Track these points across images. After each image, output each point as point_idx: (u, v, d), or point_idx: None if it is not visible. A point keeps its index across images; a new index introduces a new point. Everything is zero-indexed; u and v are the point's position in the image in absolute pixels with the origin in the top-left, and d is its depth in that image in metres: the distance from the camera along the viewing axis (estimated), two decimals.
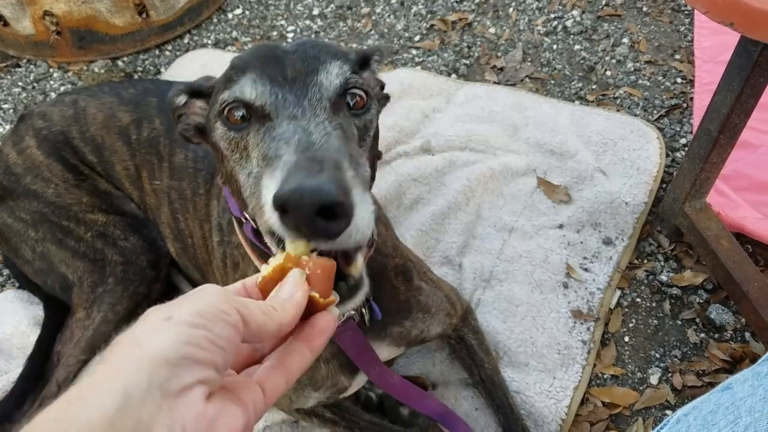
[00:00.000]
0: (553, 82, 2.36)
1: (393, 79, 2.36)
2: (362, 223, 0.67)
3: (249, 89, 0.82)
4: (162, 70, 2.66)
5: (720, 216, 1.74)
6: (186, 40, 2.80)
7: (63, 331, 1.60)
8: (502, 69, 2.43)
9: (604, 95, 2.28)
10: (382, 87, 1.13)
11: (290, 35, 2.75)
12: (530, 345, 1.62)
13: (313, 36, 2.73)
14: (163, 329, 0.47)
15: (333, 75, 0.84)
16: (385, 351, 1.29)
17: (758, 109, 1.99)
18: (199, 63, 2.59)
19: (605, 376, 1.60)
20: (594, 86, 2.32)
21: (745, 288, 1.57)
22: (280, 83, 0.82)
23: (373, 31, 2.71)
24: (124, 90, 1.64)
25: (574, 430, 1.49)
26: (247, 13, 2.90)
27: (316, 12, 2.84)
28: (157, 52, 2.76)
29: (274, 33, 2.78)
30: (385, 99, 1.14)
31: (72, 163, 1.59)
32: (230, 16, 2.90)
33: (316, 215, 0.61)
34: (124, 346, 0.46)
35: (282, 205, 0.63)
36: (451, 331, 1.50)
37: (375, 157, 0.95)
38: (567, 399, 1.53)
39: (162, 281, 1.68)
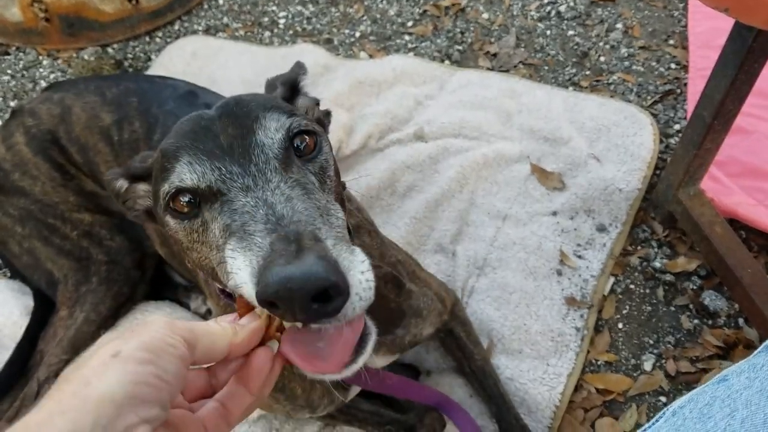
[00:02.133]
0: (546, 67, 2.35)
1: (386, 65, 2.35)
2: (362, 287, 0.63)
3: (188, 174, 0.75)
4: (152, 57, 2.63)
5: (713, 202, 1.74)
6: (176, 27, 2.78)
7: (46, 329, 1.60)
8: (495, 55, 2.42)
9: (597, 81, 2.27)
10: (318, 104, 1.07)
11: (281, 21, 2.73)
12: (524, 332, 1.63)
13: (304, 22, 2.70)
14: (110, 367, 0.47)
15: (272, 130, 0.78)
16: (379, 361, 1.28)
17: (752, 94, 1.98)
18: (190, 50, 2.56)
19: (599, 363, 1.60)
20: (588, 72, 2.31)
21: (739, 274, 1.57)
22: (218, 156, 0.75)
23: (365, 17, 2.68)
24: (108, 89, 1.61)
25: (568, 416, 1.49)
26: None
27: None
28: (147, 39, 2.73)
29: (265, 19, 2.75)
30: (327, 116, 1.07)
31: (59, 162, 1.57)
32: (221, 2, 2.87)
33: (312, 302, 0.57)
34: (72, 384, 0.46)
35: (270, 301, 0.58)
36: (441, 325, 1.50)
37: (341, 191, 0.89)
38: (561, 386, 1.53)
39: (147, 282, 1.67)
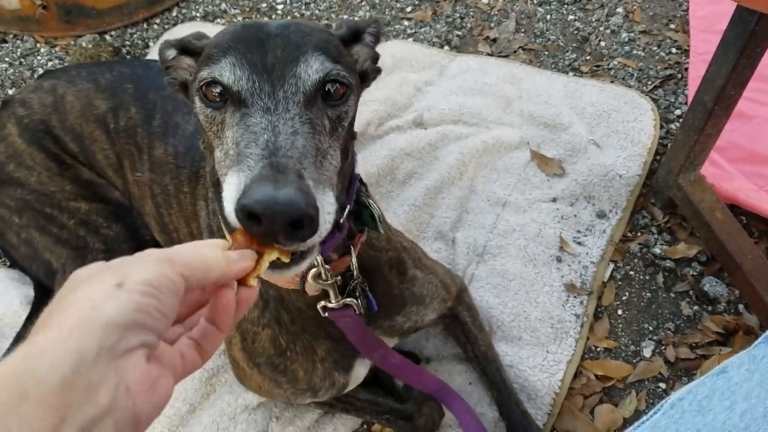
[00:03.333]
0: (546, 53, 2.33)
1: (385, 51, 2.32)
2: (324, 224, 0.71)
3: (228, 73, 0.81)
4: (150, 44, 2.61)
5: (714, 188, 1.73)
6: (174, 14, 2.76)
7: None
8: (495, 40, 2.40)
9: (598, 66, 2.25)
10: (376, 59, 1.09)
11: (280, 7, 2.71)
12: (523, 319, 1.62)
13: (303, 8, 2.68)
14: (116, 296, 0.49)
15: (312, 69, 0.82)
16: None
17: (753, 79, 1.97)
18: None
19: (598, 350, 1.60)
20: (588, 57, 2.29)
21: (739, 260, 1.57)
22: (258, 70, 0.80)
23: (364, 2, 2.66)
24: (101, 75, 1.59)
25: (568, 403, 1.49)
26: None
27: None
28: (145, 25, 2.72)
29: (264, 5, 2.73)
30: (376, 72, 1.10)
31: (53, 152, 1.56)
32: None
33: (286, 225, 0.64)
34: (77, 307, 0.48)
35: (248, 214, 0.63)
36: (446, 311, 1.50)
37: (350, 139, 0.95)
38: (560, 372, 1.53)
39: None
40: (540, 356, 1.56)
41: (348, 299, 1.08)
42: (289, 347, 1.18)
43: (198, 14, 2.73)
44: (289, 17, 2.65)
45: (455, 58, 2.32)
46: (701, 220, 1.66)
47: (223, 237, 1.23)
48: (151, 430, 1.48)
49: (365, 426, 1.51)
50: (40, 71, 2.53)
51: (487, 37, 2.42)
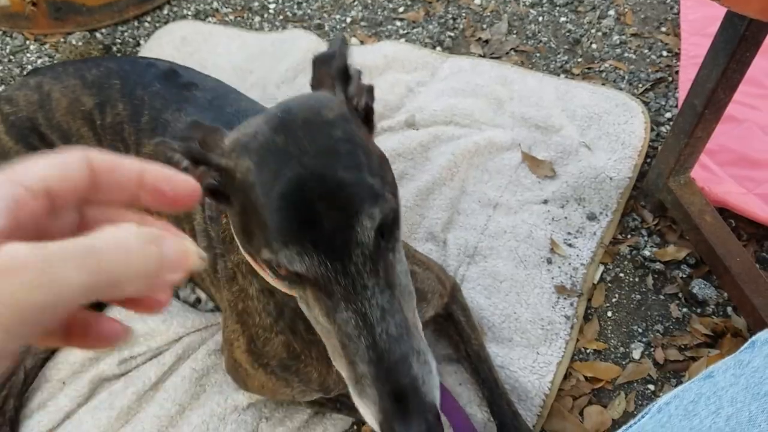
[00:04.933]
0: (538, 54, 2.34)
1: (377, 51, 2.33)
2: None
3: (297, 264, 0.77)
4: (141, 42, 2.60)
5: (704, 191, 1.74)
6: (165, 11, 2.74)
7: None
8: (487, 41, 2.41)
9: (589, 68, 2.26)
10: (371, 90, 1.02)
11: (272, 6, 2.70)
12: (514, 320, 1.63)
13: (295, 7, 2.68)
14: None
15: (368, 228, 0.76)
16: None
17: (744, 83, 1.98)
18: (179, 35, 2.54)
19: (588, 351, 1.61)
20: (579, 59, 2.30)
21: (728, 263, 1.58)
22: (323, 249, 0.76)
23: (356, 2, 2.66)
24: (87, 71, 1.57)
25: (557, 404, 1.50)
26: None
27: None
28: (136, 23, 2.70)
29: (255, 3, 2.72)
30: (371, 93, 1.03)
31: (40, 150, 1.55)
32: None
33: None
34: None
35: None
36: (441, 308, 1.50)
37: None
38: (550, 374, 1.54)
39: None
40: (530, 358, 1.56)
41: None
42: (304, 353, 1.18)
43: (189, 12, 2.72)
44: (281, 16, 2.64)
45: (447, 59, 2.32)
46: (691, 223, 1.67)
47: (221, 247, 1.23)
48: (138, 431, 1.48)
49: (355, 426, 1.51)
50: (30, 68, 2.51)
51: (479, 38, 2.42)
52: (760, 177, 1.86)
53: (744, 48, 1.34)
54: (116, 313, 1.64)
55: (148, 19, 2.72)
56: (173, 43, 2.49)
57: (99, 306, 1.75)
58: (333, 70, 0.92)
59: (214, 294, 1.42)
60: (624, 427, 0.58)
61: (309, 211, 0.75)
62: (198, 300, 1.70)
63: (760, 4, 1.13)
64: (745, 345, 0.59)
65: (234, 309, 1.23)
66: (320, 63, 0.93)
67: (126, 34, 2.65)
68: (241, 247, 0.94)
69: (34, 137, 1.54)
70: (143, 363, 1.60)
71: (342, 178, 0.76)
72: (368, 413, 0.77)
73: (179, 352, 1.60)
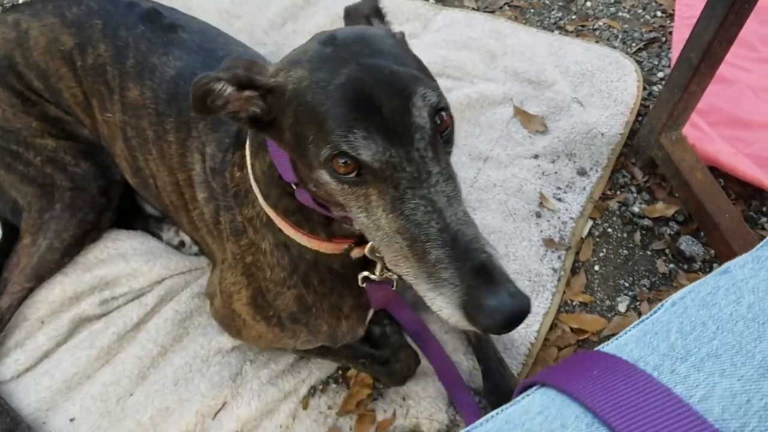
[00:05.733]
0: (532, 10, 2.31)
1: None
2: None
3: (363, 150, 0.77)
4: None
5: (694, 148, 1.74)
6: None
7: (10, 257, 1.55)
8: None
9: (583, 26, 2.24)
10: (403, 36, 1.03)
11: None
12: None
13: None
14: None
15: (424, 110, 0.79)
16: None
17: (736, 44, 1.97)
18: None
19: (574, 304, 1.61)
20: (574, 17, 2.28)
21: (717, 219, 1.59)
22: (387, 136, 0.77)
23: None
24: (67, 9, 1.50)
25: (543, 353, 1.50)
26: None
27: None
28: None
29: None
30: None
31: (18, 89, 1.49)
32: None
33: None
34: None
35: (485, 328, 0.72)
36: None
37: None
38: (536, 324, 1.54)
39: (113, 210, 1.61)
40: None
41: (388, 273, 1.09)
42: (315, 305, 1.19)
43: None
44: None
45: (440, 12, 2.28)
46: (681, 179, 1.67)
47: (228, 200, 1.20)
48: (119, 371, 1.46)
49: (340, 371, 1.50)
50: (9, 5, 2.42)
51: None
52: (750, 138, 1.86)
53: None
54: (98, 252, 1.62)
55: None
56: None
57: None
58: (367, 10, 0.98)
59: (209, 242, 1.39)
60: (637, 321, 0.57)
61: (368, 99, 0.77)
62: (182, 243, 1.67)
63: None
64: (762, 243, 0.58)
65: (239, 262, 1.22)
66: (351, 12, 1.00)
67: None
68: (293, 175, 0.93)
69: (12, 76, 1.48)
70: (125, 304, 1.57)
71: (395, 69, 0.80)
72: (447, 302, 0.74)
73: (162, 294, 1.57)
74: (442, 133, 0.83)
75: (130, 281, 1.57)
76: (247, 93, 0.88)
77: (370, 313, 1.29)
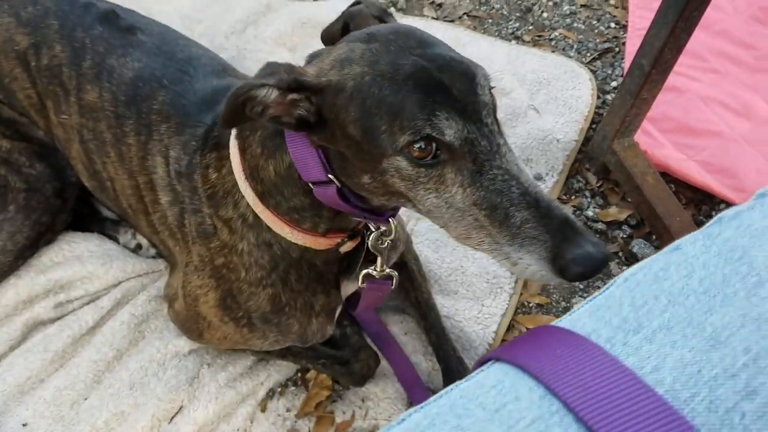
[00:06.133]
0: (490, 20, 2.35)
1: (329, 10, 2.30)
2: None
3: (448, 130, 0.81)
4: None
5: (646, 154, 1.79)
6: None
7: None
8: (440, 5, 2.41)
9: (540, 36, 2.29)
10: None
11: None
12: (460, 274, 1.64)
13: None
14: None
15: (486, 89, 0.85)
16: (350, 286, 1.30)
17: (686, 55, 2.04)
18: None
19: (531, 305, 1.63)
20: (531, 27, 2.33)
21: (668, 222, 1.63)
22: (463, 115, 0.82)
23: None
24: (22, 8, 1.46)
25: None
26: None
27: None
28: None
29: None
30: None
31: None
32: None
33: None
34: None
35: (572, 276, 0.77)
36: (399, 258, 1.51)
37: None
38: (494, 325, 1.56)
39: (68, 212, 1.59)
40: (475, 309, 1.58)
41: (389, 270, 1.17)
42: (289, 304, 1.20)
43: None
44: None
45: (401, 20, 2.29)
46: (633, 183, 1.72)
47: (196, 202, 1.20)
48: (73, 375, 1.43)
49: (299, 374, 1.50)
50: None
51: (433, 1, 2.42)
52: (700, 145, 1.92)
53: (692, 6, 1.38)
54: (53, 254, 1.59)
55: None
56: None
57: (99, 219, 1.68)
58: (376, 12, 1.02)
59: (170, 246, 1.37)
60: (590, 297, 0.58)
61: (439, 84, 0.82)
62: (139, 246, 1.65)
63: None
64: (712, 221, 0.60)
65: (208, 264, 1.21)
66: (355, 15, 1.03)
67: None
68: (323, 173, 0.95)
69: None
70: (80, 307, 1.55)
71: (453, 56, 0.87)
72: (536, 258, 0.79)
73: (118, 297, 1.55)
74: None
75: (86, 284, 1.55)
76: (291, 96, 0.88)
77: (338, 310, 1.30)
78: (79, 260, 1.57)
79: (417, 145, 0.82)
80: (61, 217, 1.57)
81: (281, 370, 1.48)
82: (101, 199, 1.57)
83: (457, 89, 0.82)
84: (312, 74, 0.90)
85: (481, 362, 0.59)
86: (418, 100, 0.81)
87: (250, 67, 1.96)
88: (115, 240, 1.67)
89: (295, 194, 1.03)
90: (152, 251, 1.64)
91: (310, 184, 0.98)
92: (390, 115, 0.83)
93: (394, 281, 1.19)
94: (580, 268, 0.76)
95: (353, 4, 1.05)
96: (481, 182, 0.82)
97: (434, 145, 0.82)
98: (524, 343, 0.57)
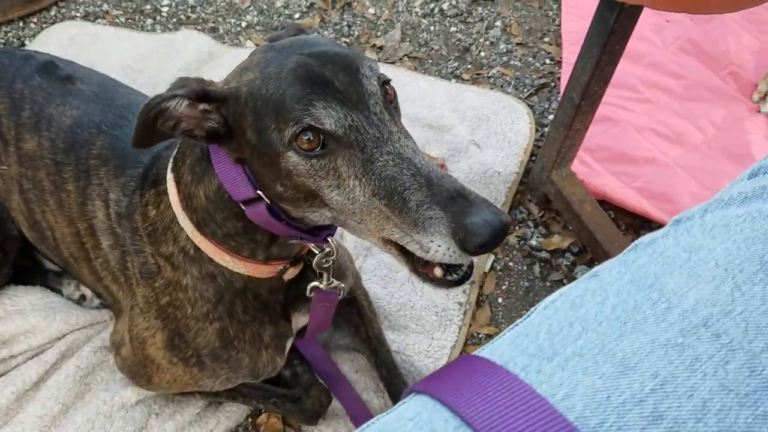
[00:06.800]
0: (430, 61, 2.42)
1: None
2: None
3: (326, 119, 0.83)
4: (27, 42, 2.49)
5: (584, 183, 1.84)
6: (53, 13, 2.64)
7: None
8: (381, 48, 2.46)
9: (478, 74, 2.36)
10: None
11: (165, 9, 2.65)
12: (409, 308, 1.66)
13: (189, 10, 2.64)
14: None
15: (372, 79, 0.87)
16: (302, 319, 1.31)
17: (618, 87, 2.13)
18: (67, 35, 2.45)
19: (480, 336, 1.65)
20: (469, 66, 2.40)
21: (607, 248, 1.68)
22: (345, 104, 0.84)
23: (252, 7, 2.66)
24: None
25: None
26: None
27: None
28: (21, 24, 2.59)
29: (148, 6, 2.67)
30: None
31: None
32: None
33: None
34: None
35: (474, 247, 0.76)
36: (347, 293, 1.51)
37: None
38: (444, 357, 1.57)
39: (10, 266, 1.56)
40: (425, 343, 1.59)
41: (337, 282, 1.17)
42: (238, 336, 1.19)
43: (78, 14, 2.63)
44: (174, 19, 2.60)
45: None
46: (572, 212, 1.76)
47: (137, 243, 1.19)
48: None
49: (249, 419, 1.48)
50: None
51: (374, 44, 2.47)
52: (635, 172, 1.99)
53: (614, 40, 1.45)
54: None
55: (34, 20, 2.61)
56: (59, 42, 2.40)
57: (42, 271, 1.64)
58: (293, 32, 1.08)
59: (114, 291, 1.36)
60: (511, 326, 0.59)
61: (320, 77, 0.85)
62: (83, 297, 1.63)
63: None
64: (629, 248, 0.62)
65: (153, 305, 1.21)
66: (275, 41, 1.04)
67: (10, 34, 2.53)
68: (250, 188, 0.96)
69: None
70: (24, 362, 1.51)
71: (338, 50, 0.90)
72: (441, 239, 0.79)
73: (63, 350, 1.52)
74: (390, 102, 0.91)
75: (29, 338, 1.52)
76: (202, 107, 0.91)
77: (289, 342, 1.30)
78: (21, 314, 1.53)
79: (305, 137, 0.84)
80: (3, 271, 1.54)
81: (231, 416, 1.47)
82: (42, 250, 1.55)
83: (339, 80, 0.85)
84: (220, 85, 0.94)
85: (407, 394, 0.60)
86: (296, 93, 0.84)
87: None
88: (59, 292, 1.64)
89: (227, 218, 1.03)
90: (96, 301, 1.61)
91: (241, 205, 0.99)
92: (275, 112, 0.86)
93: (342, 292, 1.20)
94: (479, 238, 0.75)
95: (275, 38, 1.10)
96: (373, 170, 0.83)
97: (320, 136, 0.84)
98: (444, 374, 0.58)
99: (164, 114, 0.89)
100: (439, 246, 0.79)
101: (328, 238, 1.09)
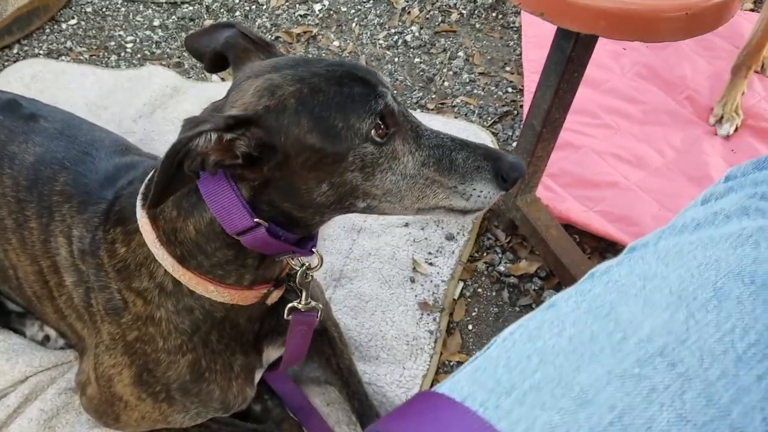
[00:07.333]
0: (395, 92, 2.45)
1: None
2: None
3: (393, 104, 0.95)
4: None
5: (548, 208, 1.87)
6: (15, 50, 2.62)
7: None
8: None
9: (443, 104, 2.39)
10: None
11: (129, 45, 2.65)
12: (380, 338, 1.65)
13: (153, 46, 2.65)
14: None
15: (388, 82, 1.01)
16: (274, 353, 1.31)
17: (579, 113, 2.18)
18: (29, 72, 2.43)
19: (452, 363, 1.66)
20: (433, 96, 2.43)
21: (573, 272, 1.70)
22: (388, 97, 0.96)
23: None
24: None
25: None
26: (82, 23, 2.76)
27: (156, 23, 2.76)
28: None
29: (112, 43, 2.66)
30: None
31: None
32: (64, 26, 2.75)
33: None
34: None
35: (513, 180, 0.99)
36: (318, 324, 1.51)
37: None
38: (416, 387, 1.57)
39: None
40: (397, 372, 1.59)
41: (314, 303, 1.20)
42: (209, 367, 1.18)
43: (42, 52, 2.62)
44: (139, 55, 2.60)
45: None
46: (538, 237, 1.79)
47: (102, 279, 1.18)
48: None
49: None
50: None
51: None
52: (598, 196, 2.03)
53: (571, 69, 1.48)
54: None
55: None
56: (22, 80, 2.38)
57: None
58: (254, 36, 1.09)
59: (79, 329, 1.33)
60: (471, 359, 0.59)
61: (361, 76, 0.96)
62: (47, 337, 1.59)
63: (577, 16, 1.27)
64: (585, 277, 0.62)
65: (119, 341, 1.18)
66: (231, 45, 1.08)
67: None
68: (249, 218, 0.96)
69: None
70: None
71: (350, 61, 1.07)
72: (488, 180, 0.99)
73: (26, 393, 1.48)
74: None
75: None
76: (228, 136, 0.88)
77: (259, 374, 1.30)
78: None
79: (381, 126, 0.93)
80: None
81: None
82: (5, 290, 1.52)
83: (372, 77, 0.96)
84: (239, 108, 0.93)
85: None
86: (361, 89, 0.93)
87: (158, 148, 1.97)
88: (22, 333, 1.61)
89: (218, 248, 1.03)
90: (61, 342, 1.58)
91: (236, 236, 0.99)
92: (342, 111, 0.92)
93: (319, 314, 1.22)
94: (517, 172, 0.98)
95: (223, 25, 1.13)
96: (422, 142, 0.98)
97: (386, 122, 0.94)
98: (405, 412, 0.57)
99: (191, 155, 0.86)
100: (481, 190, 0.98)
101: (313, 249, 1.10)
